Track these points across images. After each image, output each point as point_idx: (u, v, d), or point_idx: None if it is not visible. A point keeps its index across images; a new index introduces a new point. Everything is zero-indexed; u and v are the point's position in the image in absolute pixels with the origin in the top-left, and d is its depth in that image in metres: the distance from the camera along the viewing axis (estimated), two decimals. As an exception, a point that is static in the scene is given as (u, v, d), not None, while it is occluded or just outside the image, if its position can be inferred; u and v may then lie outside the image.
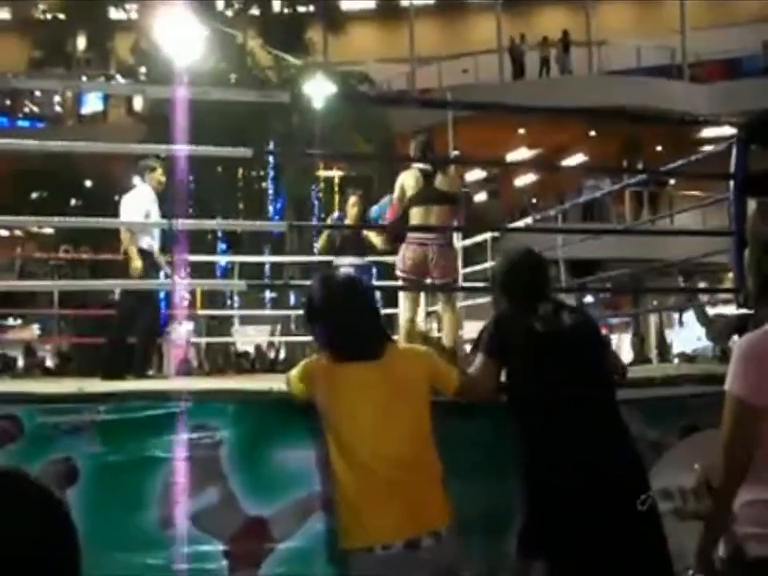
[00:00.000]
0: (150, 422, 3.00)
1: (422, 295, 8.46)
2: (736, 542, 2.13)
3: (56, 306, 12.57)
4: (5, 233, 20.92)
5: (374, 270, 8.75)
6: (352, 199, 8.32)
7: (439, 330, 7.75)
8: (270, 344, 18.24)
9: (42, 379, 10.45)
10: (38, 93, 24.61)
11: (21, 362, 17.48)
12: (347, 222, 8.39)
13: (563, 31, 22.55)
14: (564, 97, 17.47)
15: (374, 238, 7.89)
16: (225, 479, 3.01)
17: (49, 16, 22.64)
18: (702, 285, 17.75)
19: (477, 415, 3.17)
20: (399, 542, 2.65)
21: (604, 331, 3.63)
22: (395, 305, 6.03)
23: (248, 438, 3.07)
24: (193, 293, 13.79)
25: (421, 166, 5.94)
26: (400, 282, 6.02)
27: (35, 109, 25.63)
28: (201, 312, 13.64)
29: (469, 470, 3.09)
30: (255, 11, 20.90)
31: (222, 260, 16.44)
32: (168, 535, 2.91)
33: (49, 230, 19.10)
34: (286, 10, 21.14)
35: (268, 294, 18.10)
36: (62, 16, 22.19)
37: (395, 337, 4.77)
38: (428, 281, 5.98)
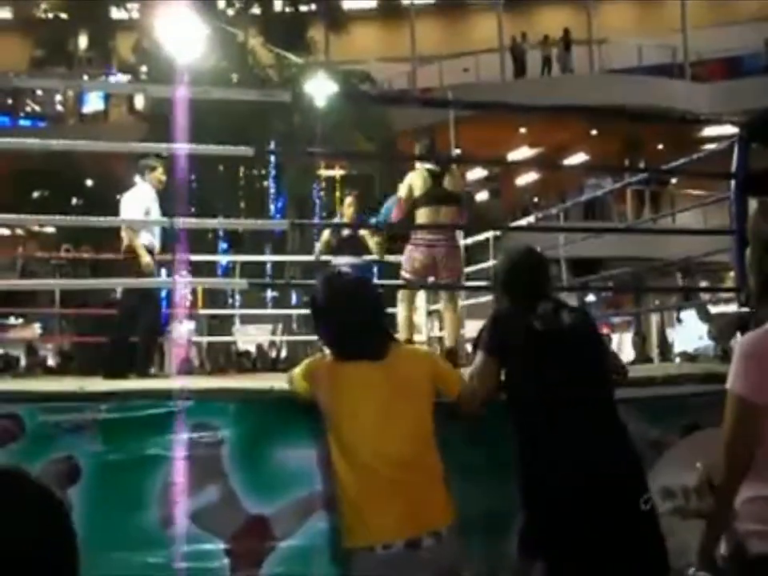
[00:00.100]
0: (152, 421, 3.00)
1: (424, 294, 8.48)
2: (737, 539, 2.14)
3: (57, 306, 12.57)
4: (6, 232, 20.92)
5: (375, 270, 8.77)
6: (348, 200, 8.35)
7: (441, 330, 7.76)
8: (272, 343, 18.23)
9: (43, 378, 10.45)
10: (39, 92, 24.62)
11: (23, 361, 17.48)
12: (344, 222, 8.42)
13: (564, 30, 22.53)
14: (565, 96, 17.45)
15: (370, 240, 7.92)
16: (226, 478, 3.02)
17: (50, 15, 22.61)
18: (703, 284, 17.73)
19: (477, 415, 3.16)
20: (400, 541, 2.65)
21: (605, 330, 3.63)
22: (394, 304, 6.04)
23: (249, 436, 3.08)
24: (194, 292, 13.82)
25: (429, 166, 5.95)
26: (401, 282, 6.03)
27: (37, 108, 25.63)
28: (202, 311, 13.66)
29: (469, 470, 3.09)
30: (256, 10, 20.88)
31: (223, 259, 16.44)
32: (169, 534, 2.91)
33: (50, 230, 19.09)
34: (287, 9, 21.12)
35: (269, 293, 18.11)
36: (63, 15, 22.17)
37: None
38: (432, 280, 6.01)
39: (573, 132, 19.73)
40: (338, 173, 18.35)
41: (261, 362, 17.02)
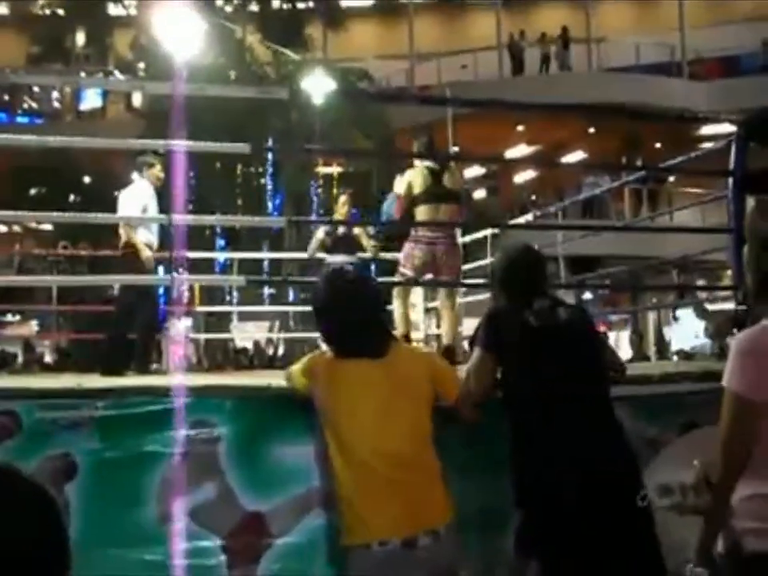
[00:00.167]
0: (149, 418, 3.00)
1: (421, 292, 8.49)
2: (734, 536, 2.14)
3: (54, 302, 12.55)
4: (3, 229, 20.91)
5: (372, 268, 8.77)
6: (342, 198, 8.35)
7: (438, 327, 7.76)
8: (269, 340, 18.23)
9: (40, 375, 10.44)
10: (36, 89, 24.56)
11: (20, 358, 17.47)
12: (340, 220, 8.42)
13: (562, 28, 22.52)
14: (563, 94, 17.43)
15: (365, 240, 7.94)
16: (223, 475, 3.02)
17: (47, 11, 22.57)
18: (700, 282, 17.75)
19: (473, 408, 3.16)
20: (396, 539, 2.65)
21: (602, 328, 3.64)
22: (390, 301, 6.04)
23: (246, 433, 3.08)
24: (191, 289, 13.79)
25: (428, 163, 5.95)
26: (397, 278, 6.02)
27: (34, 105, 25.57)
28: (199, 308, 13.64)
29: (465, 468, 3.09)
30: (254, 7, 20.86)
31: (220, 256, 16.43)
32: (166, 531, 2.91)
33: (47, 227, 19.08)
34: (285, 6, 21.09)
35: (267, 290, 18.09)
36: (60, 12, 22.13)
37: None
38: (431, 277, 6.01)
39: (571, 130, 19.72)
40: (335, 170, 18.34)
41: (258, 359, 17.01)
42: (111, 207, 6.95)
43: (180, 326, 10.12)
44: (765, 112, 7.19)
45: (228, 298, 17.33)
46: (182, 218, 5.76)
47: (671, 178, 18.78)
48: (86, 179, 19.91)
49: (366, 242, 8.05)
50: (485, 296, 6.86)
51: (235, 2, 20.73)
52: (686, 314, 20.00)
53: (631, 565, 2.78)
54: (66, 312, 14.59)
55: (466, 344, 7.54)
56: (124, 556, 2.85)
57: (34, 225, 19.74)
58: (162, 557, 2.89)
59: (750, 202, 4.48)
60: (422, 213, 5.90)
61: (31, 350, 17.71)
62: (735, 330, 3.43)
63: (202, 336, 14.89)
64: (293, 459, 3.07)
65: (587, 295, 18.65)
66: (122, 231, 6.39)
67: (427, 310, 9.07)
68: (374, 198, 12.70)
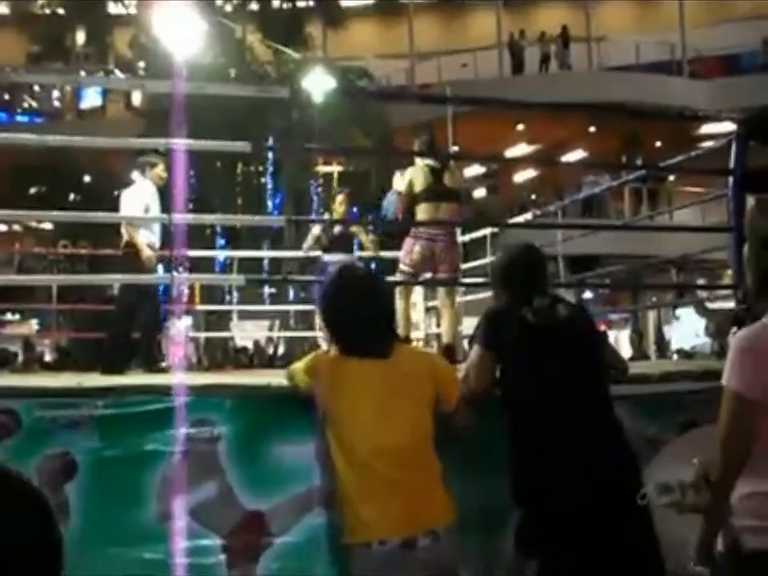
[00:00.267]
0: (149, 417, 3.00)
1: (422, 290, 8.49)
2: (733, 534, 2.14)
3: (54, 301, 12.55)
4: (3, 228, 20.90)
5: (373, 266, 8.77)
6: (339, 197, 8.36)
7: (438, 326, 7.76)
8: (269, 339, 18.23)
9: (40, 374, 10.44)
10: (36, 87, 24.56)
11: (20, 357, 17.47)
12: (339, 219, 8.42)
13: (562, 27, 22.51)
14: (563, 93, 17.42)
15: (364, 237, 7.95)
16: (223, 474, 3.01)
17: (47, 11, 22.55)
18: (701, 281, 17.75)
19: (473, 411, 3.16)
20: (396, 539, 2.65)
21: (603, 328, 3.64)
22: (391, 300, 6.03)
23: (246, 432, 3.07)
24: (192, 288, 13.80)
25: (429, 162, 5.96)
26: (398, 276, 6.03)
27: (34, 104, 25.57)
28: (199, 307, 13.64)
29: (465, 468, 3.09)
30: (254, 6, 20.85)
31: (220, 255, 16.42)
32: (166, 529, 2.91)
33: (47, 225, 19.08)
34: (285, 5, 21.08)
35: (267, 290, 18.09)
36: (60, 11, 22.11)
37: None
38: (430, 275, 6.01)
39: (571, 129, 19.71)
40: (335, 169, 18.32)
41: (258, 358, 17.02)
42: (111, 206, 6.94)
43: (180, 325, 10.12)
44: (765, 111, 7.20)
45: (228, 296, 17.33)
46: (181, 217, 5.76)
47: (671, 177, 18.79)
48: (86, 178, 19.91)
49: (365, 239, 8.05)
50: (485, 295, 6.86)
51: (235, 1, 20.72)
52: (686, 313, 20.02)
53: (631, 563, 2.78)
54: (66, 311, 14.60)
55: (466, 343, 7.55)
56: (124, 554, 2.85)
57: (34, 224, 19.74)
58: (161, 555, 2.89)
59: (750, 200, 4.48)
60: (422, 211, 5.91)
61: (31, 349, 17.71)
62: (735, 329, 3.43)
63: (202, 335, 14.90)
64: (293, 458, 3.07)
65: (587, 294, 18.66)
66: (123, 231, 6.38)
67: (427, 309, 9.07)
68: (373, 197, 12.68)
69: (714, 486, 2.18)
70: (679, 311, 20.39)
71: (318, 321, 7.87)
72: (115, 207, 6.69)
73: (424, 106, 16.42)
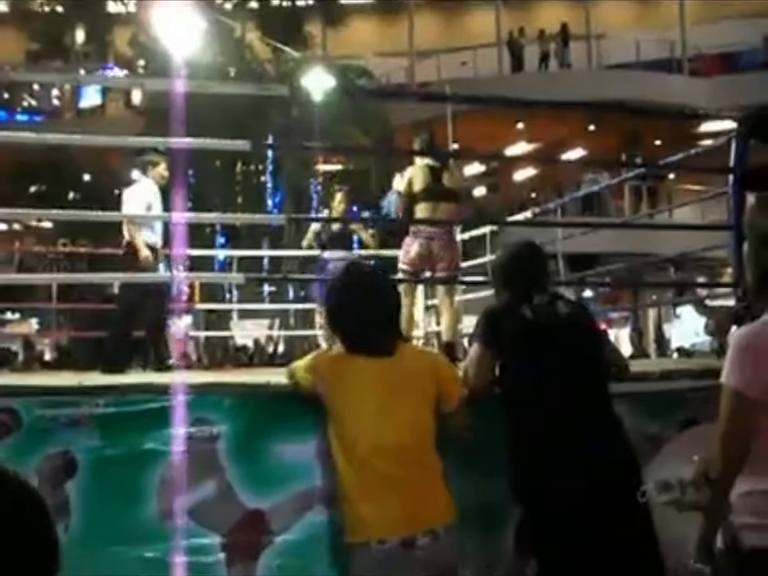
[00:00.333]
0: (149, 416, 3.00)
1: (422, 289, 8.49)
2: (733, 532, 2.14)
3: (54, 300, 12.56)
4: (3, 227, 20.89)
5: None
6: (339, 195, 8.36)
7: (438, 325, 7.76)
8: (269, 338, 18.24)
9: (40, 372, 10.44)
10: (36, 86, 24.54)
11: (20, 356, 17.49)
12: (338, 217, 8.44)
13: (562, 25, 22.51)
14: (563, 91, 17.43)
15: (364, 234, 7.96)
16: (223, 472, 3.02)
17: (47, 9, 22.55)
18: (701, 279, 17.76)
19: (471, 408, 3.16)
20: (395, 538, 2.65)
21: (603, 326, 3.65)
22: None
23: (246, 431, 3.07)
24: (191, 286, 13.79)
25: (428, 161, 5.98)
26: (399, 275, 6.03)
27: (33, 102, 25.56)
28: (199, 306, 13.63)
29: (465, 466, 3.08)
30: (254, 4, 20.84)
31: (220, 253, 16.43)
32: (166, 528, 2.91)
33: (47, 224, 19.09)
34: (284, 3, 21.07)
35: (266, 288, 18.10)
36: (60, 9, 22.11)
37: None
38: (429, 274, 6.03)
39: (571, 127, 19.71)
40: (335, 167, 18.33)
41: (258, 356, 17.04)
42: (111, 205, 6.93)
43: (180, 324, 10.12)
44: (765, 108, 7.20)
45: (228, 295, 17.33)
46: (181, 216, 5.76)
47: (671, 175, 18.80)
48: (86, 177, 19.91)
49: (365, 236, 8.06)
50: (485, 293, 6.88)
51: (234, -1, 20.73)
52: (686, 311, 20.03)
53: (631, 561, 2.78)
54: (66, 310, 14.61)
55: (466, 341, 7.54)
56: (124, 553, 2.85)
57: (34, 223, 19.75)
58: (161, 554, 2.89)
59: (750, 198, 4.48)
60: (421, 210, 5.94)
61: (31, 348, 17.74)
62: (735, 327, 3.43)
63: (202, 334, 14.91)
64: (293, 456, 3.07)
65: (587, 293, 18.67)
66: (125, 230, 6.36)
67: (427, 308, 9.07)
68: (373, 195, 12.69)
69: (714, 484, 2.18)
70: (680, 309, 20.40)
71: (317, 319, 7.87)
72: (115, 206, 6.68)
73: (424, 104, 16.43)
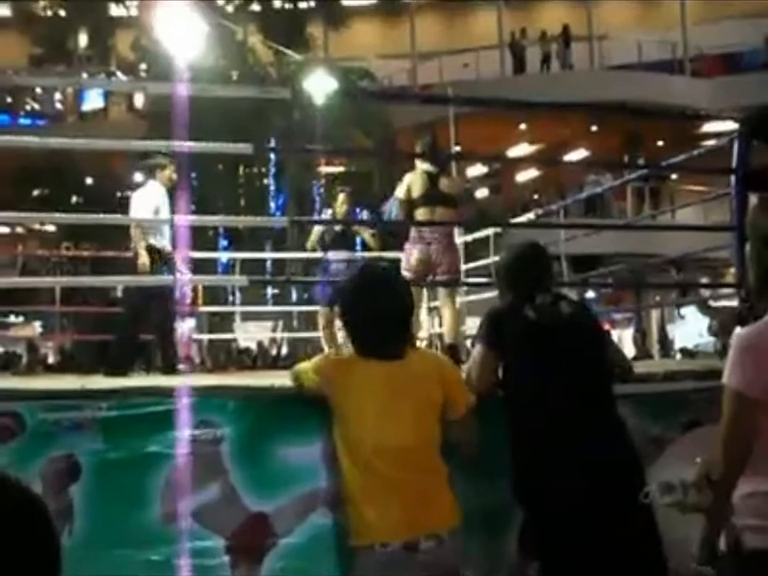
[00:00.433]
0: (152, 419, 3.00)
1: (425, 292, 8.50)
2: (735, 533, 2.13)
3: (58, 304, 12.57)
4: (6, 230, 20.93)
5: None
6: (341, 196, 8.37)
7: (441, 326, 7.77)
8: (272, 340, 18.24)
9: (44, 376, 10.45)
10: (38, 90, 24.59)
11: (24, 359, 17.51)
12: (340, 219, 8.45)
13: (564, 26, 22.50)
14: (565, 92, 17.41)
15: (367, 236, 7.98)
16: (226, 475, 3.02)
17: (49, 13, 22.59)
18: (704, 280, 17.74)
19: (476, 412, 3.16)
20: (398, 542, 2.64)
21: (606, 327, 3.64)
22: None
23: (250, 434, 3.08)
24: (195, 289, 13.80)
25: (426, 167, 6.03)
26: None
27: (36, 106, 25.61)
28: (203, 308, 13.65)
29: (468, 469, 3.08)
30: (256, 7, 20.87)
31: (223, 256, 16.44)
32: (170, 531, 2.91)
33: (50, 228, 19.12)
34: (286, 6, 21.10)
35: (270, 291, 18.11)
36: (62, 13, 22.15)
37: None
38: (430, 278, 6.06)
39: (573, 128, 19.71)
40: (337, 169, 18.34)
41: (261, 359, 17.03)
42: (113, 208, 6.94)
43: (184, 327, 10.13)
44: (767, 109, 7.18)
45: (231, 298, 17.35)
46: (185, 219, 5.77)
47: (673, 176, 18.77)
48: (89, 180, 19.95)
49: (368, 237, 8.07)
50: (489, 295, 6.88)
51: (236, 2, 20.74)
52: (689, 312, 20.00)
53: (633, 563, 2.77)
54: (70, 313, 14.62)
55: (469, 343, 7.54)
56: (128, 556, 2.86)
57: (37, 226, 19.79)
58: (165, 557, 2.89)
59: (753, 199, 4.48)
60: (419, 215, 6.05)
61: (35, 351, 17.74)
62: (738, 327, 3.43)
63: (206, 336, 14.92)
64: (296, 459, 3.07)
65: (590, 294, 18.64)
66: (133, 234, 6.35)
67: (429, 310, 9.07)
68: (376, 198, 12.69)
69: (716, 486, 2.17)
70: (684, 310, 20.36)
71: (320, 321, 7.87)
72: (117, 209, 6.68)
73: (426, 106, 16.43)
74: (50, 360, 18.30)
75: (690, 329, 19.24)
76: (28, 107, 25.54)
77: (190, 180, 13.09)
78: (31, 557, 1.10)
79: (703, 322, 16.06)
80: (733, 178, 4.65)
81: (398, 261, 6.33)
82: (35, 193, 19.53)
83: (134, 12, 21.94)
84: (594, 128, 20.49)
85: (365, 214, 14.90)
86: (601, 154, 20.36)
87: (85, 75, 22.08)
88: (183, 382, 3.51)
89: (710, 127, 18.78)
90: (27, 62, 22.21)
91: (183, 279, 7.00)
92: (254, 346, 18.42)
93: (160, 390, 3.19)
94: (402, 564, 2.63)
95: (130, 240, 6.43)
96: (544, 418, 2.91)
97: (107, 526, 2.87)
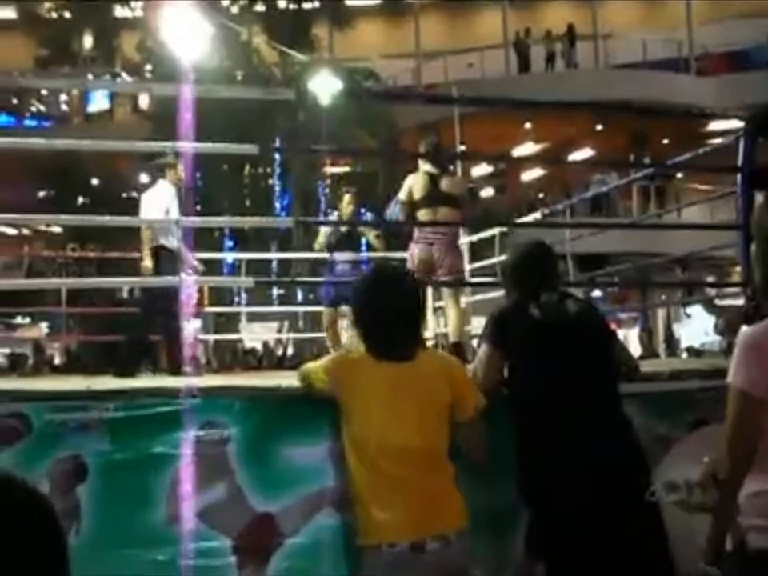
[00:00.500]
0: (159, 419, 3.01)
1: (429, 293, 8.50)
2: (740, 533, 2.13)
3: (64, 305, 12.60)
4: (13, 231, 20.98)
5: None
6: (346, 197, 8.38)
7: (446, 326, 7.78)
8: (278, 341, 18.26)
9: (50, 377, 10.48)
10: (44, 92, 24.66)
11: (30, 360, 17.56)
12: (346, 220, 8.46)
13: (568, 25, 22.49)
14: (570, 91, 17.42)
15: (372, 237, 7.99)
16: (233, 475, 3.02)
17: (54, 15, 22.65)
18: (710, 278, 17.70)
19: (483, 414, 3.15)
20: (404, 542, 2.64)
21: (612, 326, 3.63)
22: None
23: (256, 434, 3.08)
24: (200, 290, 13.82)
25: (428, 168, 6.05)
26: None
27: (42, 108, 25.68)
28: (208, 309, 13.67)
29: (474, 469, 3.08)
30: (260, 7, 20.89)
31: (229, 257, 16.46)
32: (176, 531, 2.92)
33: (56, 229, 19.16)
34: (291, 6, 21.11)
35: (275, 291, 18.12)
36: (67, 14, 22.21)
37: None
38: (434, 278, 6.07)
39: (578, 127, 19.69)
40: (342, 170, 18.35)
41: (267, 359, 17.05)
42: (119, 209, 6.95)
43: (189, 328, 10.14)
44: (772, 107, 7.15)
45: (237, 298, 17.37)
46: (190, 220, 5.77)
47: (679, 175, 18.75)
48: (95, 181, 20.00)
49: (373, 238, 8.09)
50: (494, 294, 6.88)
51: (241, 3, 20.76)
52: (695, 311, 19.97)
53: (639, 562, 2.77)
54: (76, 314, 14.65)
55: (475, 343, 7.54)
56: (135, 556, 2.86)
57: (43, 227, 19.83)
58: (172, 557, 2.89)
59: (759, 197, 4.46)
60: (421, 216, 6.08)
61: (41, 353, 17.79)
62: (744, 326, 3.42)
63: (211, 337, 14.95)
64: (303, 459, 3.07)
65: (596, 293, 18.63)
66: (143, 235, 6.34)
67: (434, 310, 9.07)
68: (380, 198, 12.69)
69: (722, 485, 2.17)
70: (690, 309, 20.33)
71: (324, 321, 7.88)
72: (123, 210, 6.68)
73: (430, 106, 16.44)
74: (57, 361, 18.36)
75: (696, 327, 19.21)
76: (34, 109, 25.62)
77: (196, 181, 13.11)
78: (38, 556, 1.10)
79: (709, 320, 16.03)
80: (738, 176, 4.64)
81: (404, 261, 6.35)
82: (41, 194, 19.58)
83: (138, 13, 21.99)
84: (599, 127, 20.47)
85: (369, 215, 14.90)
86: (606, 153, 20.34)
87: (90, 77, 22.15)
88: (190, 382, 3.51)
89: (715, 125, 18.75)
90: (33, 64, 22.26)
91: (188, 280, 7.00)
92: (259, 346, 18.44)
93: (166, 390, 3.19)
94: (408, 564, 2.63)
95: (139, 241, 6.43)
96: (550, 417, 2.91)
97: (114, 526, 2.87)
